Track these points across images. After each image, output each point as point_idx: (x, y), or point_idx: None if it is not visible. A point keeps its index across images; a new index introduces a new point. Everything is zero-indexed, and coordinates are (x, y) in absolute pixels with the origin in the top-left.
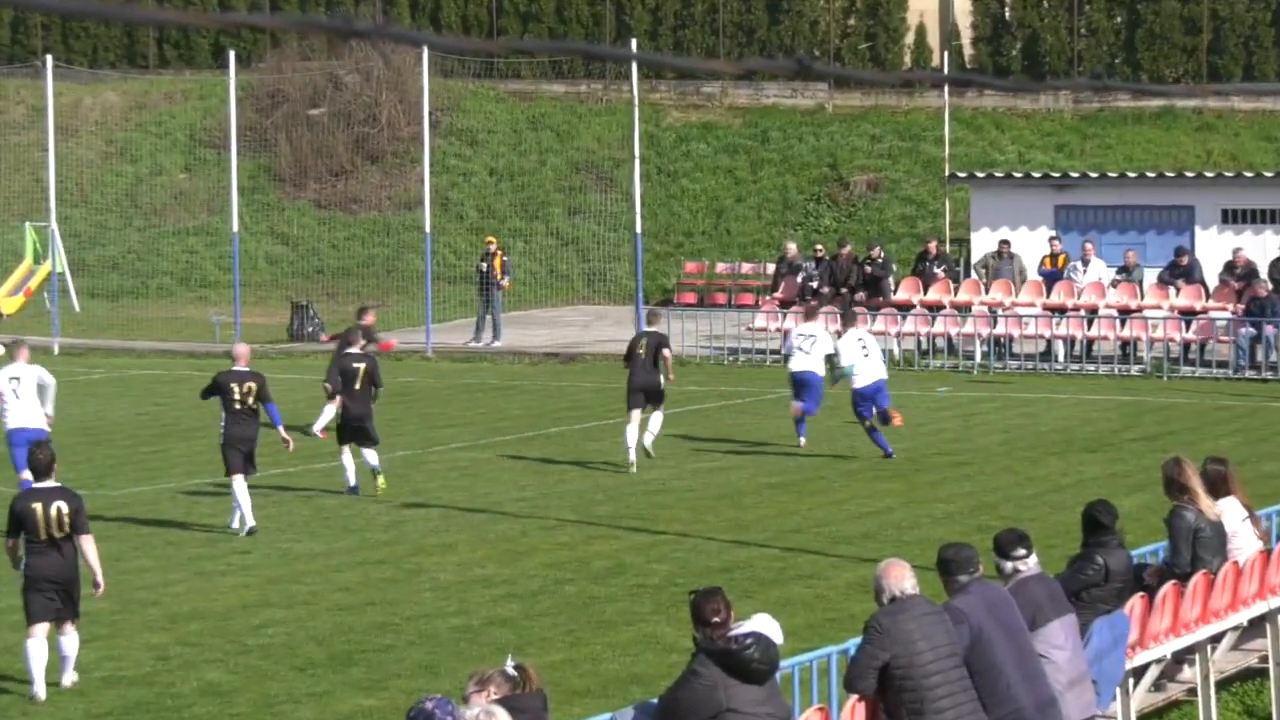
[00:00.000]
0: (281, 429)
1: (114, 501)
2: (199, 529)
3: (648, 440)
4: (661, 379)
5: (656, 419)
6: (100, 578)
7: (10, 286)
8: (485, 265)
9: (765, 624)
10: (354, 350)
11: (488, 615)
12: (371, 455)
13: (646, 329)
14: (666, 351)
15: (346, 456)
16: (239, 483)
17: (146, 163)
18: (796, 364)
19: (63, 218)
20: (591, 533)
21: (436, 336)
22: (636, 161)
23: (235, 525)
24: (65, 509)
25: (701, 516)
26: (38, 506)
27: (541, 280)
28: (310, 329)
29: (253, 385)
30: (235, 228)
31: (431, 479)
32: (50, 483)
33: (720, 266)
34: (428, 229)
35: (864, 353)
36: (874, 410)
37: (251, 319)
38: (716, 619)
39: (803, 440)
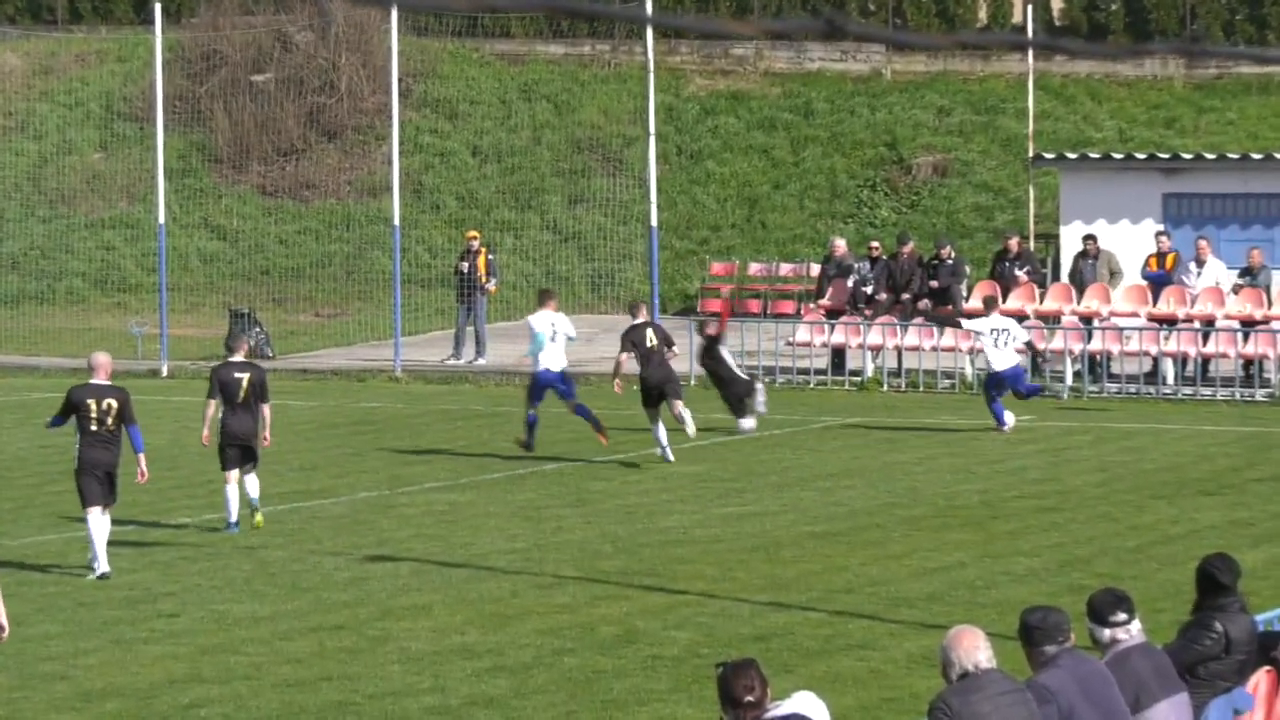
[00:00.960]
0: (142, 458)
1: (13, 553)
2: (118, 588)
3: (690, 430)
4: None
5: (686, 412)
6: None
7: None
8: (466, 265)
9: (808, 704)
10: (238, 358)
11: (469, 693)
12: (253, 484)
13: (641, 320)
14: (675, 350)
15: (231, 485)
16: (94, 516)
17: (53, 139)
18: (998, 361)
19: None
20: (597, 592)
21: (407, 352)
22: (652, 139)
23: (96, 567)
24: None
25: (730, 573)
26: None
27: (536, 283)
28: (253, 341)
29: (113, 403)
30: (161, 219)
31: (401, 526)
32: None
33: (754, 267)
34: (396, 221)
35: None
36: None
37: (181, 329)
38: (749, 698)
39: (1007, 425)
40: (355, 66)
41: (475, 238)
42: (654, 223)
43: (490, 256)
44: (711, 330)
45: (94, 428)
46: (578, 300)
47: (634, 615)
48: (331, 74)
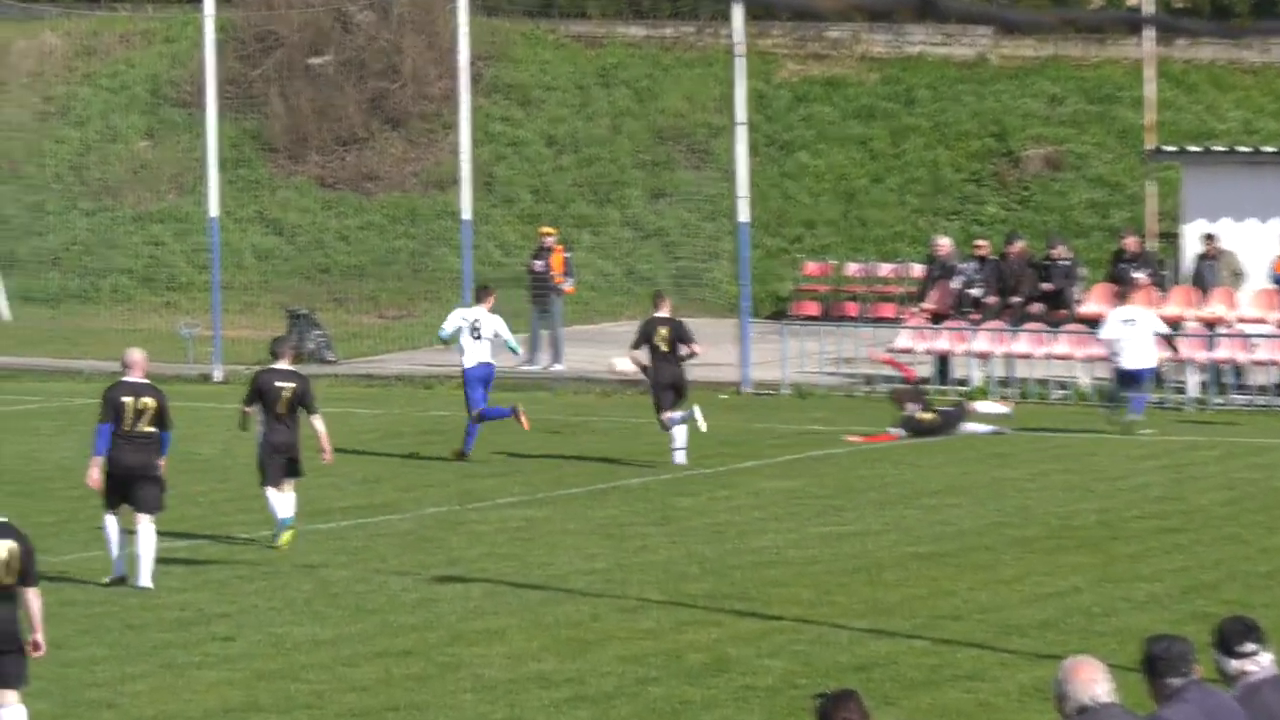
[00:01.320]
0: (164, 462)
1: (57, 569)
2: (169, 608)
3: (703, 426)
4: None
5: (696, 410)
6: (41, 635)
7: None
8: (540, 264)
9: None
10: (282, 365)
11: None
12: (288, 504)
13: (660, 315)
14: (696, 348)
15: (273, 492)
16: (111, 522)
17: (96, 125)
18: (1127, 359)
19: None
20: (683, 617)
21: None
22: (738, 128)
23: (116, 574)
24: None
25: (829, 596)
26: None
27: (616, 284)
28: (312, 345)
29: (150, 402)
30: (214, 212)
31: (472, 544)
32: None
33: (850, 267)
34: (466, 215)
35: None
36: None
37: (236, 331)
38: None
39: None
40: (420, 49)
41: (550, 234)
42: (742, 218)
43: (567, 255)
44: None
45: (126, 428)
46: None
47: (724, 642)
48: (395, 57)
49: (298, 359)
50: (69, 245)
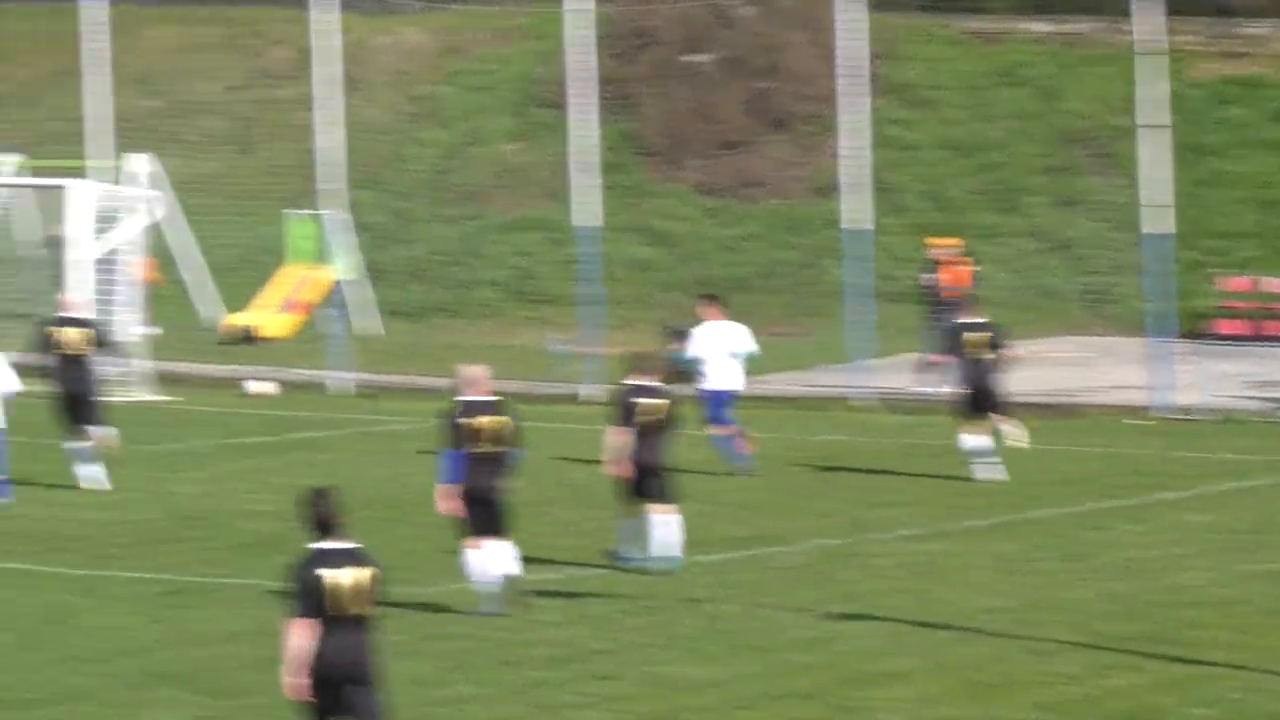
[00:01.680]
0: (511, 484)
1: (422, 601)
2: (545, 645)
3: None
4: None
5: (1011, 426)
6: None
7: (277, 301)
8: (932, 278)
9: None
10: (647, 382)
11: None
12: (673, 534)
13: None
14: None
15: (648, 517)
16: (480, 553)
17: (461, 128)
18: None
19: (349, 204)
20: (1102, 660)
21: (870, 378)
22: (1144, 130)
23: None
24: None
25: (1261, 639)
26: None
27: (1022, 299)
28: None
29: (500, 420)
30: (587, 220)
31: (868, 579)
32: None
33: (1275, 283)
34: (846, 224)
35: None
36: None
37: (611, 348)
38: None
39: None
40: (804, 44)
41: (946, 245)
42: (1152, 229)
43: (975, 269)
44: None
45: (478, 449)
46: (1069, 320)
47: (1147, 689)
48: (777, 54)
49: (671, 377)
50: (431, 255)
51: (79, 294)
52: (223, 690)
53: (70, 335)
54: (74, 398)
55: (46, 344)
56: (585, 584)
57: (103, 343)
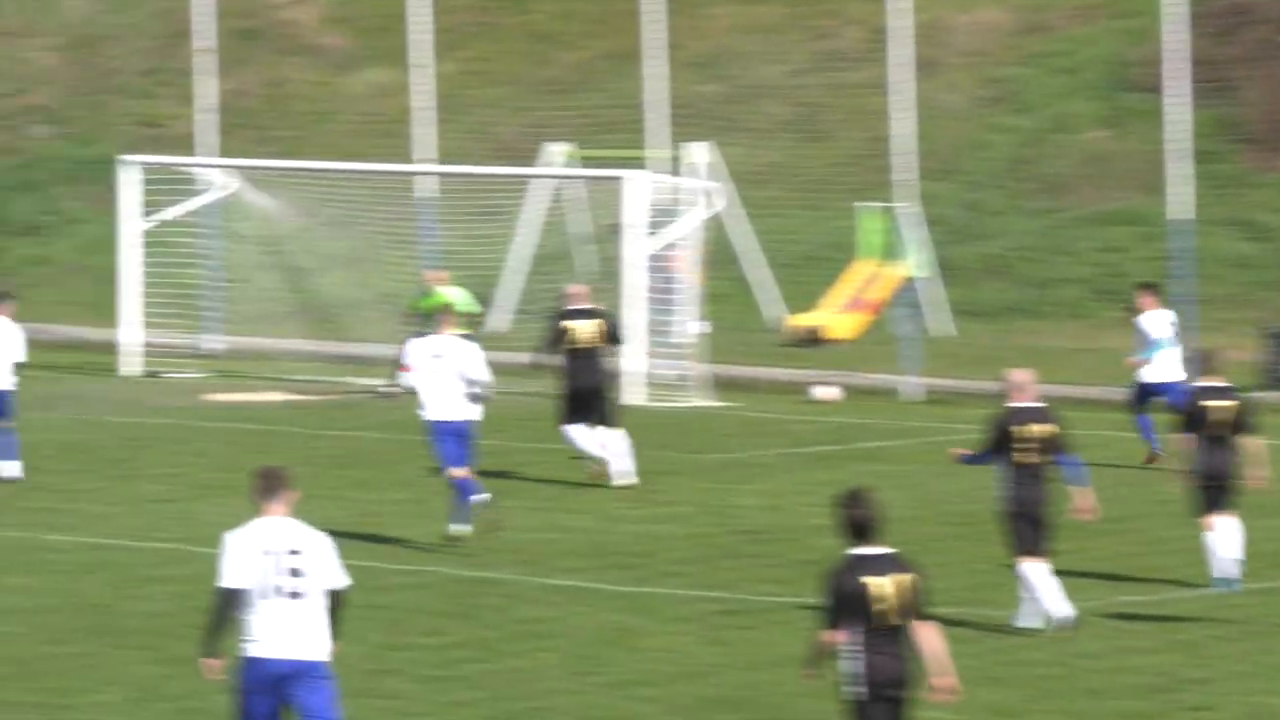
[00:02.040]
0: (1086, 494)
1: (990, 623)
2: (1134, 672)
3: None
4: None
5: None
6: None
7: (842, 299)
8: None
9: None
10: (1217, 383)
11: None
12: (1234, 540)
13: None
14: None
15: (1213, 535)
16: (1033, 570)
17: (1042, 113)
18: None
19: (921, 196)
20: None
21: None
22: None
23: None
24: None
25: None
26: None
27: None
28: None
29: (1045, 429)
30: (1181, 213)
31: None
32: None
33: None
34: None
35: None
36: None
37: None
38: None
39: None
40: None
41: None
42: None
43: None
44: None
45: (1025, 460)
46: None
47: None
48: None
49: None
50: (1010, 250)
51: (633, 291)
52: (782, 719)
53: (583, 328)
54: (586, 393)
55: (559, 338)
56: (1174, 606)
57: (614, 337)
